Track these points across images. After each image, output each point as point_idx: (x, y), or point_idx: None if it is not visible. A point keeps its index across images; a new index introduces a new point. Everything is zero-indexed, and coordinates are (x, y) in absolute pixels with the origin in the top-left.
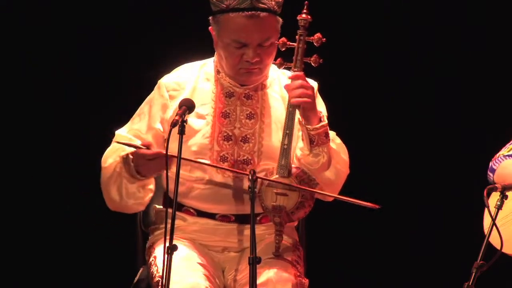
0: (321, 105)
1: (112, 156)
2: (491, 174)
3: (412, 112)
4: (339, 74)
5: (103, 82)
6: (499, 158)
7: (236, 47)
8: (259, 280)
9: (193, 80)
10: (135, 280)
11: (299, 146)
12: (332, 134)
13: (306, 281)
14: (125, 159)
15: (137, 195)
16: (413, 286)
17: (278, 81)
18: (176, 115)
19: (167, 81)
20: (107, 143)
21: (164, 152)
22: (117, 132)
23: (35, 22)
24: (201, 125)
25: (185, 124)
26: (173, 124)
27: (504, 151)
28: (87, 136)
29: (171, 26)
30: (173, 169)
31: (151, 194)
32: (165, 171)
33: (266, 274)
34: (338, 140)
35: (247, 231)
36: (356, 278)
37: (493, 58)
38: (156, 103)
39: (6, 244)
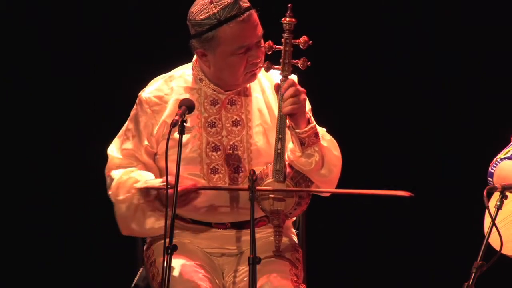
0: None
1: (123, 188)
2: (490, 179)
3: (412, 111)
4: (326, 69)
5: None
6: (496, 162)
7: (240, 53)
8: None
9: (175, 92)
10: (135, 280)
11: (289, 148)
12: (322, 130)
13: (303, 287)
14: (144, 192)
15: (157, 222)
16: (413, 286)
17: (258, 81)
18: (176, 115)
19: (148, 96)
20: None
21: (191, 187)
22: (109, 152)
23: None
24: (187, 137)
25: (185, 124)
26: (173, 124)
27: (500, 155)
28: (88, 135)
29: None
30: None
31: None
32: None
33: (262, 281)
34: (328, 137)
35: (244, 237)
36: (356, 278)
37: (495, 59)
38: (141, 120)
39: (6, 244)
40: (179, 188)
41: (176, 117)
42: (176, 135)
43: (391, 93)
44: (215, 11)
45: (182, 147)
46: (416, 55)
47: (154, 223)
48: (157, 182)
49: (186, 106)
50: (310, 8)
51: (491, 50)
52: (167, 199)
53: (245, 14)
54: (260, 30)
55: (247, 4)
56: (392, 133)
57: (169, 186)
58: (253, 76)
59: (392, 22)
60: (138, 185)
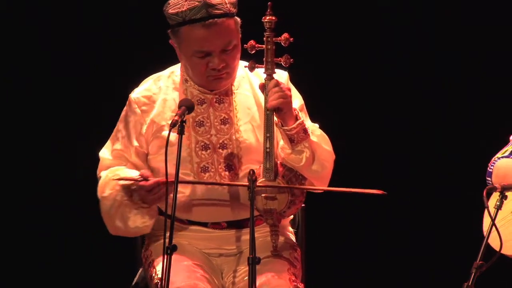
0: (295, 96)
1: (109, 186)
2: (489, 179)
3: (412, 111)
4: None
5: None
6: (494, 162)
7: (199, 57)
8: None
9: (163, 92)
10: (134, 280)
11: (280, 145)
12: (313, 126)
13: (301, 286)
14: (126, 188)
15: (141, 220)
16: (413, 286)
17: (247, 79)
18: (176, 115)
19: (136, 97)
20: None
21: (164, 180)
22: (101, 155)
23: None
24: (176, 137)
25: (184, 124)
26: (173, 124)
27: (498, 154)
28: (88, 135)
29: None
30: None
31: (155, 217)
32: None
33: (260, 280)
34: (318, 132)
35: (242, 237)
36: (355, 277)
37: (495, 59)
38: (131, 121)
39: (6, 244)
40: (150, 182)
41: (176, 117)
42: (165, 134)
43: (391, 93)
44: (184, 9)
45: (180, 147)
46: (416, 55)
47: (138, 221)
48: (134, 175)
49: (186, 106)
50: (310, 8)
51: (491, 50)
52: (167, 196)
53: (209, 21)
54: (228, 40)
55: (220, 11)
56: (392, 133)
57: (142, 178)
58: (217, 80)
59: (392, 22)
60: (115, 177)
